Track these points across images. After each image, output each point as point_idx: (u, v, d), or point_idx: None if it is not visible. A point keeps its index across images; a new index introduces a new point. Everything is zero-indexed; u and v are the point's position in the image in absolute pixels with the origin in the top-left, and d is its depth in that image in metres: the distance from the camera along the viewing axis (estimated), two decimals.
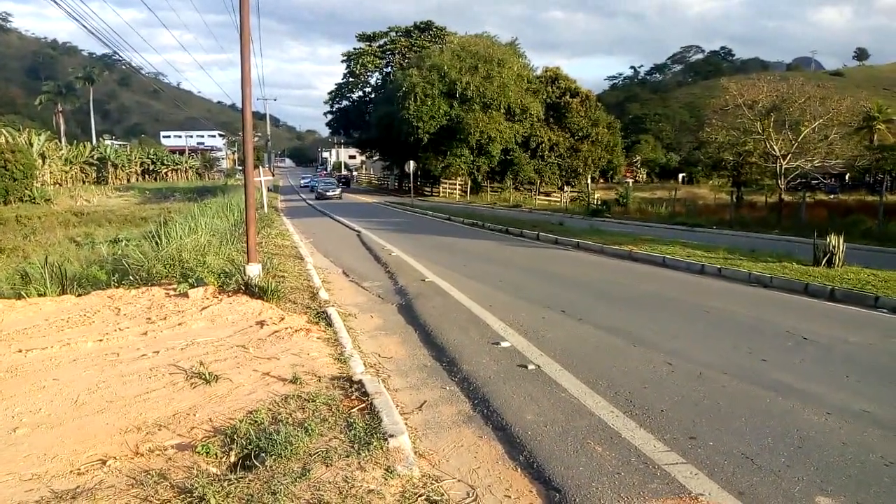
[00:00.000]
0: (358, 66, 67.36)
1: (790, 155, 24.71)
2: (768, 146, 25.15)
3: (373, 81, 70.64)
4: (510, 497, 3.78)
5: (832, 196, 35.80)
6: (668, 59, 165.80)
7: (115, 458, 4.03)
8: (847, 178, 44.44)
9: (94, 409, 4.87)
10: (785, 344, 7.00)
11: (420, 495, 3.62)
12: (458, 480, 3.97)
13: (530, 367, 6.14)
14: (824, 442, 4.43)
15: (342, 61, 68.83)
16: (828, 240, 12.02)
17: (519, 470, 4.13)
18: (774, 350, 6.72)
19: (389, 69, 66.64)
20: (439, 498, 3.63)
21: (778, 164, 25.02)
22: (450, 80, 48.09)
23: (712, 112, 30.28)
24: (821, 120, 24.22)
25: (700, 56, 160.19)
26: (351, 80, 69.92)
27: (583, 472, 4.02)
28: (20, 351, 6.37)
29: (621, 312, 8.70)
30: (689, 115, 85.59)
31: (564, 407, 5.12)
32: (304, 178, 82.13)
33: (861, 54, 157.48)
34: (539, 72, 55.63)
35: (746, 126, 25.88)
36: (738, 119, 26.36)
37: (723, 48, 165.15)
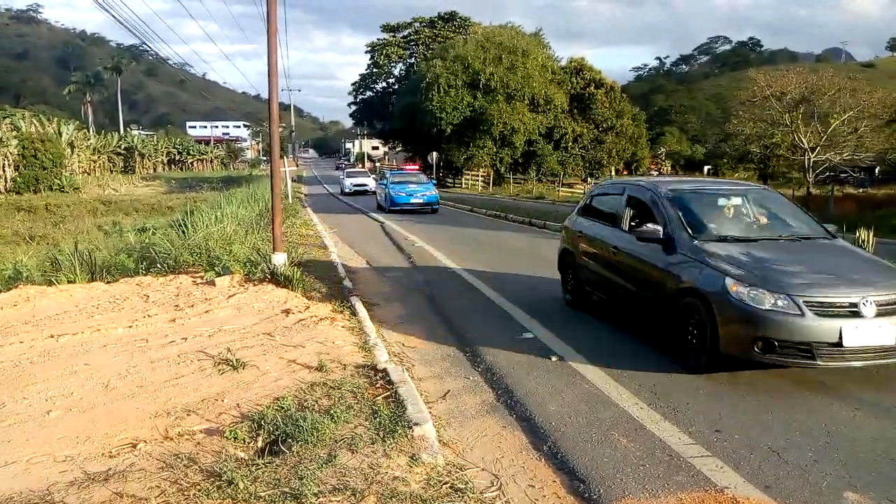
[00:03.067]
0: (382, 56, 67.41)
1: (819, 148, 24.28)
2: (796, 138, 24.74)
3: (396, 72, 70.71)
4: (534, 487, 3.79)
5: (861, 190, 35.13)
6: (695, 49, 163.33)
7: (145, 441, 4.11)
8: (877, 171, 43.56)
9: (125, 394, 4.97)
10: None
11: (444, 483, 3.64)
12: (482, 469, 3.98)
13: (553, 358, 6.13)
14: (853, 437, 4.38)
15: (366, 52, 69.01)
16: (856, 234, 11.81)
17: (543, 460, 4.13)
18: None
19: (413, 60, 66.59)
20: (464, 486, 3.64)
21: (806, 157, 24.60)
22: (473, 71, 47.90)
23: (739, 104, 29.81)
24: (851, 112, 23.75)
25: (727, 47, 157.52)
26: (375, 70, 70.00)
27: (607, 464, 4.02)
28: (52, 336, 6.50)
29: None
30: (716, 107, 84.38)
31: (588, 398, 5.11)
32: (350, 174, 42.35)
33: (895, 45, 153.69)
34: (563, 62, 55.24)
35: (774, 118, 25.48)
36: (765, 111, 25.95)
37: (751, 39, 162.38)
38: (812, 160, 24.49)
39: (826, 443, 4.29)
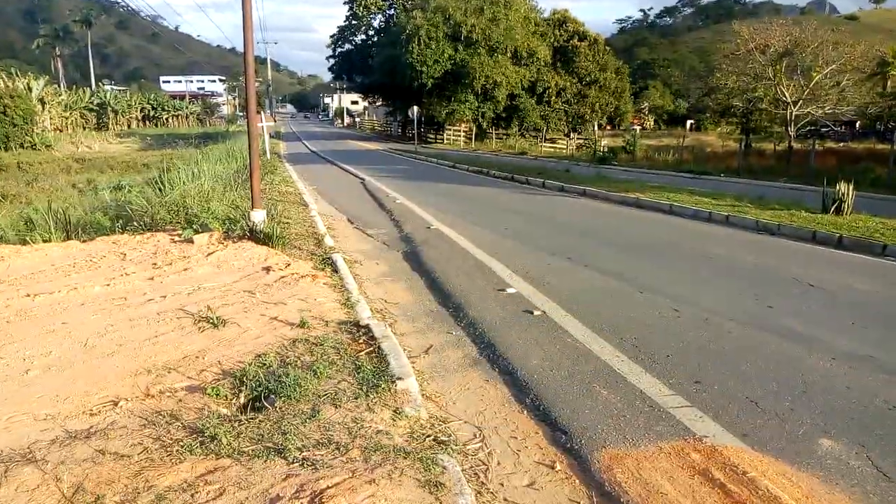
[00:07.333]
0: (361, 7, 65.58)
1: (801, 101, 24.30)
2: (779, 92, 24.69)
3: (376, 24, 68.87)
4: (516, 438, 3.83)
5: (842, 144, 35.24)
6: (679, 1, 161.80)
7: (126, 399, 4.08)
8: (858, 125, 43.71)
9: (104, 353, 4.92)
10: (791, 290, 6.99)
11: (428, 436, 3.67)
12: (465, 422, 4.02)
13: (536, 312, 6.16)
14: (829, 386, 4.46)
15: (344, 2, 67.19)
16: (837, 187, 11.90)
17: (525, 412, 4.18)
18: (781, 296, 6.72)
19: (393, 11, 65.02)
20: (447, 438, 3.68)
21: (788, 111, 24.61)
22: (455, 23, 46.93)
23: (723, 57, 29.61)
24: (833, 65, 23.70)
25: None
26: (353, 22, 68.21)
27: (588, 415, 4.06)
28: (28, 295, 6.40)
29: (628, 259, 8.68)
30: (699, 61, 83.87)
31: (570, 352, 5.15)
32: None
33: None
34: (546, 14, 54.32)
35: (757, 71, 25.36)
36: (748, 64, 25.80)
37: None
38: (794, 114, 24.50)
39: (802, 392, 4.37)
